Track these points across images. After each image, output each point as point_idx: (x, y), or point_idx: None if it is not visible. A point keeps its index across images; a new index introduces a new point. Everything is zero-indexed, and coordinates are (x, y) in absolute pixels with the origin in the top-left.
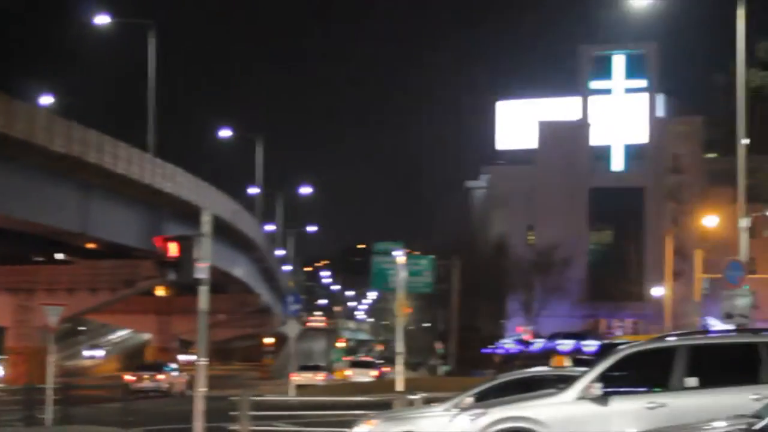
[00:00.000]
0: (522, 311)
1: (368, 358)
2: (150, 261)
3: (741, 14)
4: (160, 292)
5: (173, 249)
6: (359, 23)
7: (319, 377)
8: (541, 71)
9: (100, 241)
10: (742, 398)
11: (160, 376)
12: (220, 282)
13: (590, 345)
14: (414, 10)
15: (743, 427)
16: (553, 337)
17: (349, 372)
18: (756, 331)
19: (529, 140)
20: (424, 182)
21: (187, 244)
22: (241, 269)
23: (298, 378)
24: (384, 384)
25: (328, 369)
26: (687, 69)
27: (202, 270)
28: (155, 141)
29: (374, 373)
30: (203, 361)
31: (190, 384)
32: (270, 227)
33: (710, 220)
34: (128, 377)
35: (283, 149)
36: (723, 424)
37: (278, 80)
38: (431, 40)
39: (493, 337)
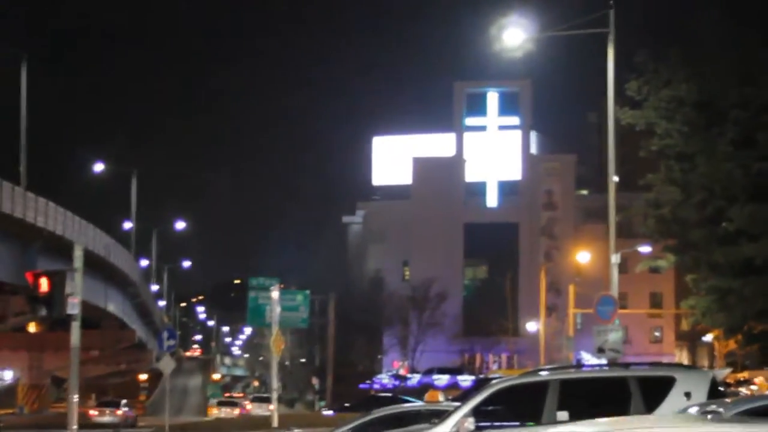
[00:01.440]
0: (398, 346)
1: (239, 395)
2: (21, 296)
3: (611, 54)
4: (32, 328)
5: (44, 284)
6: (233, 59)
7: (236, 411)
8: (418, 107)
9: None
10: None
11: (119, 411)
12: (94, 317)
13: (466, 380)
14: (286, 44)
15: None
16: (429, 372)
17: (215, 410)
18: (626, 365)
19: (405, 176)
20: (301, 217)
21: (58, 279)
22: (114, 304)
23: (217, 412)
24: (255, 420)
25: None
26: (559, 108)
27: (73, 305)
28: (27, 175)
29: (237, 411)
30: (75, 398)
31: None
32: (144, 262)
33: (583, 256)
34: (92, 412)
35: (158, 184)
36: None
37: (151, 112)
38: (305, 74)
39: (369, 372)
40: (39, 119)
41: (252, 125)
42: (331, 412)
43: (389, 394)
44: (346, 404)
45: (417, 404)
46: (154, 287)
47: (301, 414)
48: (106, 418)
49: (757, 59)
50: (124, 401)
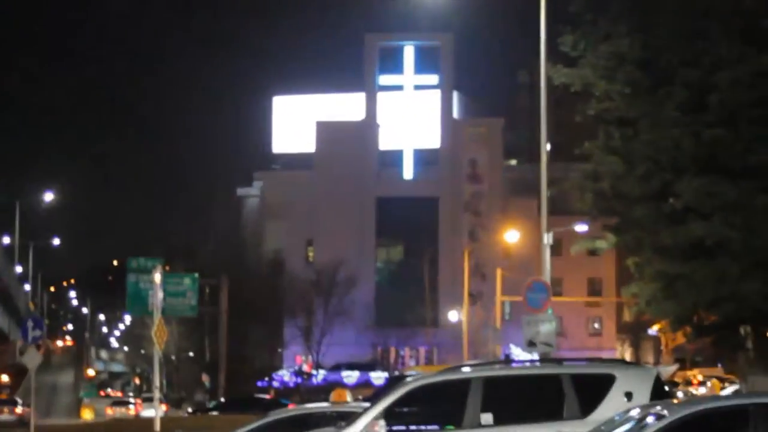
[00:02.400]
0: (301, 338)
1: (117, 393)
2: None
3: (543, 3)
4: None
5: None
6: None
7: (131, 412)
8: (324, 63)
9: None
10: None
11: (18, 410)
12: None
13: (378, 377)
14: None
15: None
16: (336, 368)
17: (110, 411)
18: (560, 362)
19: (309, 142)
20: (189, 190)
21: None
22: None
23: (112, 413)
24: (141, 423)
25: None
26: (485, 66)
27: None
28: None
29: (133, 412)
30: None
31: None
32: (6, 239)
33: (511, 236)
34: None
35: (23, 150)
36: None
37: (31, 70)
38: (194, 25)
39: (268, 367)
40: None
41: (135, 85)
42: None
43: (267, 396)
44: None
45: (319, 405)
46: (18, 269)
47: (190, 417)
48: (4, 417)
49: (708, 9)
50: (20, 400)
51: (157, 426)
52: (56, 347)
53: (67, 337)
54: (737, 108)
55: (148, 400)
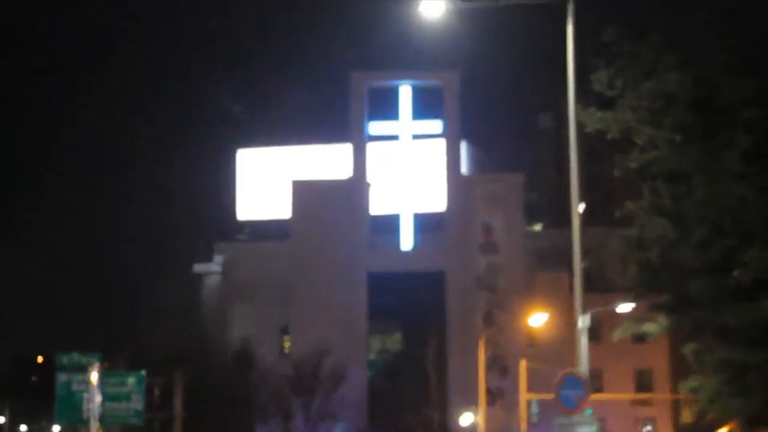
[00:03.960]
0: None
1: None
2: None
3: (570, 32)
4: None
5: None
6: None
7: None
8: (303, 109)
9: None
10: None
11: None
12: None
13: None
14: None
15: None
16: None
17: None
18: None
19: (284, 206)
20: (135, 267)
21: None
22: None
23: None
24: None
25: None
26: (499, 109)
27: None
28: None
29: None
30: None
31: None
32: None
33: (538, 318)
34: None
35: None
36: None
37: None
38: (147, 66)
39: None
40: None
41: (71, 136)
42: None
43: None
44: None
45: None
46: None
47: None
48: None
49: None
50: None
51: None
52: None
53: None
54: None
55: None
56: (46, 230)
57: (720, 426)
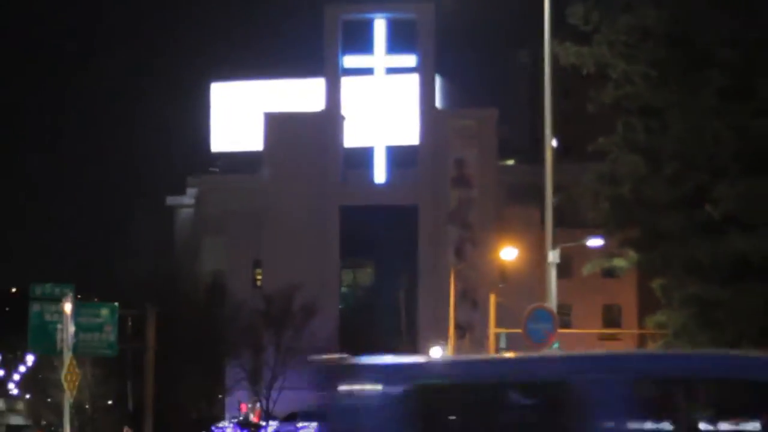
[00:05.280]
0: (247, 382)
1: None
2: None
3: None
4: None
5: None
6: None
7: None
8: (275, 42)
9: None
10: None
11: None
12: None
13: None
14: None
15: None
16: (290, 418)
17: None
18: None
19: (256, 138)
20: (108, 199)
21: None
22: None
23: None
24: None
25: None
26: (474, 44)
27: None
28: None
29: None
30: None
31: None
32: None
33: (509, 253)
34: None
35: None
36: None
37: None
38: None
39: (207, 418)
40: None
41: (43, 66)
42: None
43: None
44: None
45: None
46: None
47: None
48: None
49: None
50: None
51: None
52: None
53: None
54: None
55: None
56: (21, 159)
57: None
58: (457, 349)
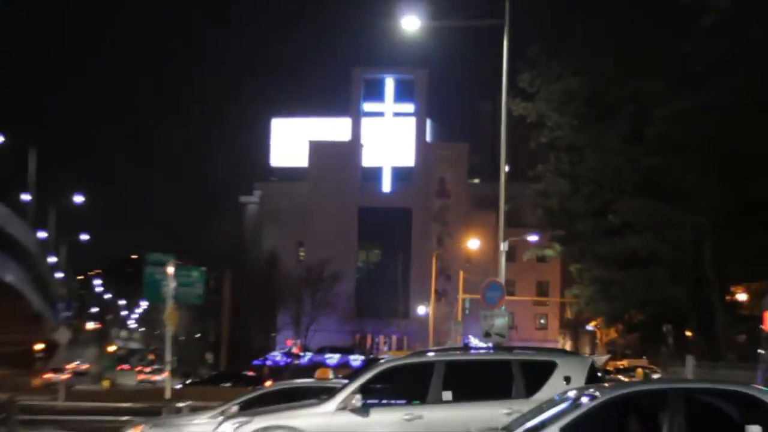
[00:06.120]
0: (292, 325)
1: (136, 368)
2: None
3: (506, 46)
4: None
5: None
6: (136, 38)
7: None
8: (316, 91)
9: None
10: (495, 412)
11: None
12: None
13: (356, 359)
14: (189, 27)
15: None
16: (321, 350)
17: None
18: (510, 350)
19: (302, 158)
20: (199, 195)
21: None
22: (11, 274)
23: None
24: (154, 392)
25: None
26: (454, 96)
27: None
28: None
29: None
30: None
31: None
32: (43, 234)
33: (473, 243)
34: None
35: (58, 157)
36: None
37: (56, 87)
38: (207, 53)
39: (263, 349)
40: None
41: (154, 104)
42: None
43: (250, 373)
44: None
45: (306, 381)
46: (52, 259)
47: (189, 386)
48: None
49: (644, 53)
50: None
51: (168, 394)
52: (83, 327)
53: (92, 320)
54: (669, 141)
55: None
56: (150, 172)
57: (591, 321)
58: (436, 308)
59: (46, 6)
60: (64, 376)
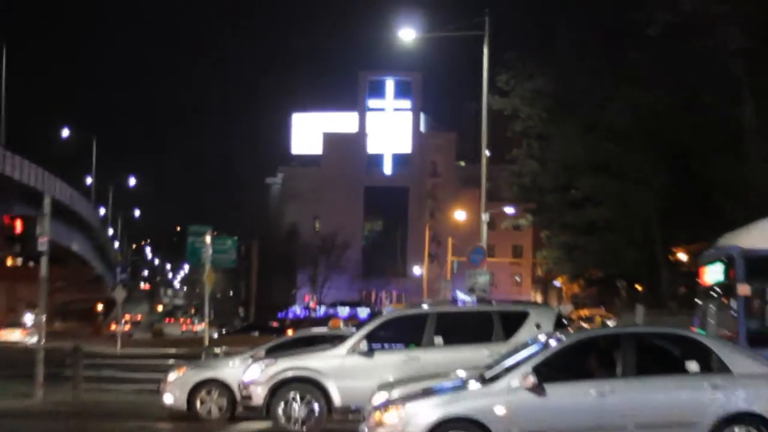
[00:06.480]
0: (309, 284)
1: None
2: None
3: (486, 53)
4: (9, 262)
5: (18, 226)
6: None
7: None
8: (327, 90)
9: None
10: (479, 354)
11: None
12: (60, 255)
13: (363, 312)
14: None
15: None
16: (333, 305)
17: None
18: (491, 303)
19: (317, 147)
20: (231, 177)
21: (30, 222)
22: (77, 244)
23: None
24: (194, 340)
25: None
26: (444, 94)
27: (43, 244)
28: (5, 134)
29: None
30: (42, 319)
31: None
32: (102, 210)
33: (459, 215)
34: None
35: (114, 145)
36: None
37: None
38: (229, 54)
39: (285, 303)
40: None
41: (192, 99)
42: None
43: (275, 324)
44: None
45: (321, 330)
46: (110, 231)
47: (224, 336)
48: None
49: (600, 57)
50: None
51: (206, 341)
52: (137, 287)
53: (144, 282)
54: (621, 129)
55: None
56: (186, 155)
57: (557, 278)
58: (429, 268)
59: (94, 17)
60: (122, 328)
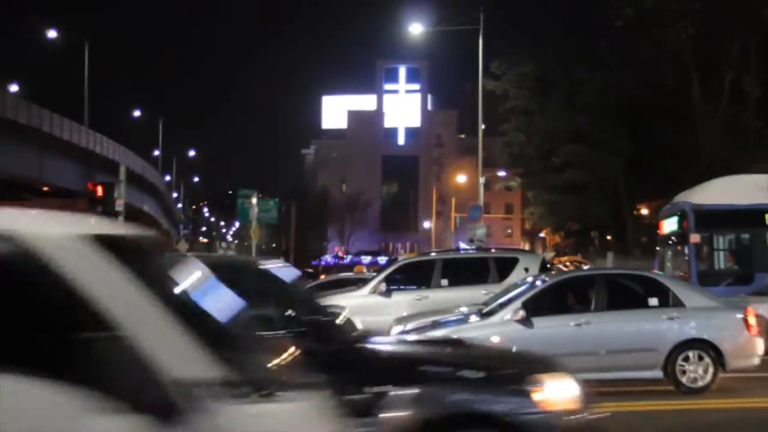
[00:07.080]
0: (338, 237)
1: None
2: (84, 199)
3: (480, 44)
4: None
5: (100, 191)
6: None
7: None
8: (353, 75)
9: (51, 185)
10: (478, 293)
11: None
12: (135, 215)
13: (382, 259)
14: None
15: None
16: (358, 254)
17: None
18: (487, 250)
19: (343, 122)
20: (273, 148)
21: (109, 188)
22: (148, 206)
23: None
24: None
25: None
26: (447, 79)
27: (119, 205)
28: (89, 116)
29: None
30: None
31: None
32: (168, 177)
33: (460, 178)
34: None
35: (176, 119)
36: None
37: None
38: (270, 42)
39: (318, 254)
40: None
41: (240, 83)
42: None
43: (310, 270)
44: None
45: (348, 274)
46: (174, 194)
47: None
48: None
49: (575, 45)
50: None
51: None
52: (197, 241)
53: (202, 237)
54: (593, 106)
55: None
56: (233, 127)
57: (542, 230)
58: (437, 224)
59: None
60: None
